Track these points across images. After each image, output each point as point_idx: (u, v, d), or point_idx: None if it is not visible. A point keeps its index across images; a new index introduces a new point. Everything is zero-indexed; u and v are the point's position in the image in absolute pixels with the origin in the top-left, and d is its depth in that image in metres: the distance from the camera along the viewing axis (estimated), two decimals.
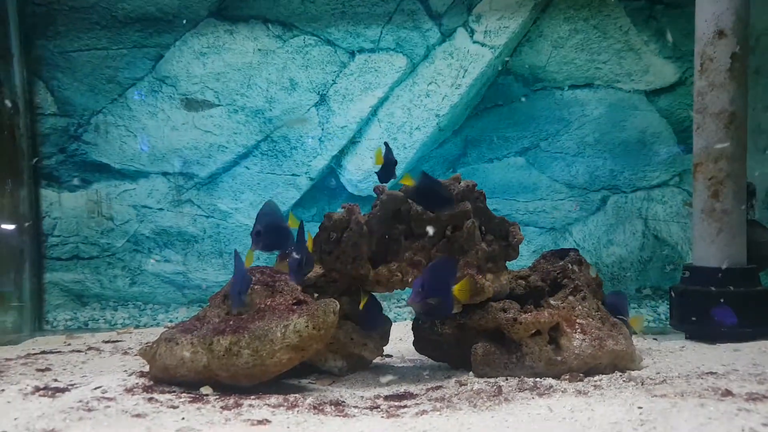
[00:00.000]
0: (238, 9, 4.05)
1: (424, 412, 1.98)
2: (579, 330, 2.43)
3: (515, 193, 4.05)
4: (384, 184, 2.50)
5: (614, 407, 1.87)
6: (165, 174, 4.09)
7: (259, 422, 1.87)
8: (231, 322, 2.31)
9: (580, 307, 2.52)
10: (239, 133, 4.08)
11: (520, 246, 2.62)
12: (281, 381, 2.36)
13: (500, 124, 4.05)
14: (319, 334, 2.22)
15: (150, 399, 2.11)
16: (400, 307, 4.03)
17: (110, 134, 4.07)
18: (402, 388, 2.34)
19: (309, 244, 2.34)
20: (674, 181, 3.98)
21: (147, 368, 2.48)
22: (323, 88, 4.06)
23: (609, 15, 3.95)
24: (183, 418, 1.90)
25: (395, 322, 2.88)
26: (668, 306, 3.36)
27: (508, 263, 2.61)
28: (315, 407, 2.04)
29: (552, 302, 2.50)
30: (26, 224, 3.74)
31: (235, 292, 2.24)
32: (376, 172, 2.40)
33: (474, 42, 3.98)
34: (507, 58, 3.64)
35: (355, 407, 2.07)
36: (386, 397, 2.22)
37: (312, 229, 2.60)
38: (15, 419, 1.88)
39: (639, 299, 3.99)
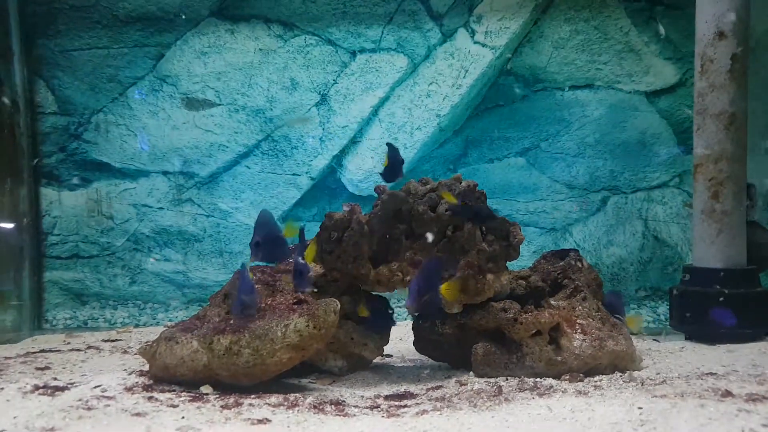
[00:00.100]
0: (239, 8, 4.05)
1: (424, 411, 1.98)
2: (579, 330, 2.43)
3: (516, 194, 4.05)
4: (391, 183, 2.52)
5: (614, 407, 1.87)
6: (165, 173, 4.09)
7: (260, 421, 1.87)
8: (231, 322, 2.31)
9: (580, 307, 2.52)
10: (240, 132, 4.08)
11: (520, 246, 2.63)
12: (281, 380, 2.36)
13: (501, 125, 4.05)
14: (320, 333, 2.22)
15: (150, 398, 2.11)
16: (399, 306, 4.03)
17: (111, 133, 4.07)
18: (402, 388, 2.34)
19: (310, 251, 2.34)
20: (674, 182, 3.99)
21: (147, 367, 2.48)
22: (324, 88, 4.06)
23: (610, 16, 3.96)
24: (183, 417, 1.90)
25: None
26: (668, 307, 3.36)
27: (508, 263, 2.61)
28: (315, 407, 2.04)
29: (552, 302, 2.51)
30: (25, 220, 3.73)
31: (237, 309, 2.21)
32: (380, 173, 2.43)
33: (475, 42, 3.98)
34: (509, 55, 3.63)
35: (356, 407, 2.07)
36: (386, 397, 2.22)
37: (312, 229, 2.61)
38: (14, 418, 1.88)
39: (639, 300, 3.99)
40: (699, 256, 3.16)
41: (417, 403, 2.10)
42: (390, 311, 2.59)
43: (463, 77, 3.97)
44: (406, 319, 3.74)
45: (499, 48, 3.94)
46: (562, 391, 2.13)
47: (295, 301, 2.32)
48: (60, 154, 4.08)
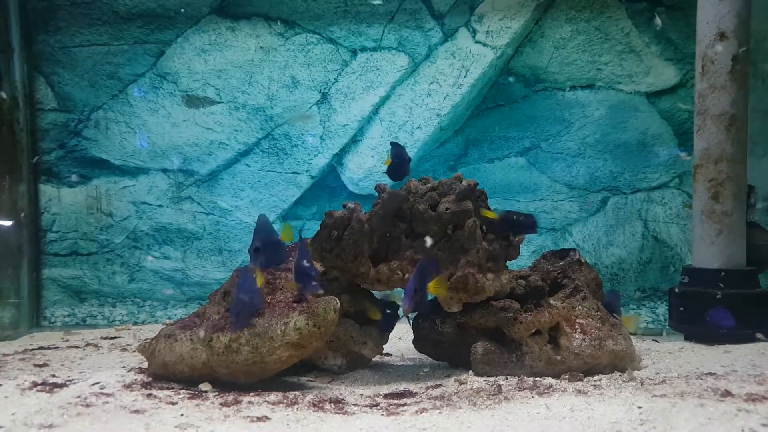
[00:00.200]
0: (240, 6, 4.04)
1: (423, 410, 1.97)
2: (579, 330, 2.43)
3: (516, 193, 4.05)
4: (397, 181, 2.54)
5: (614, 407, 1.87)
6: (165, 171, 4.08)
7: (259, 419, 1.86)
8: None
9: (580, 307, 2.52)
10: (240, 130, 4.08)
11: (520, 246, 2.62)
12: (281, 378, 2.36)
13: (501, 124, 4.05)
14: (319, 331, 2.21)
15: (149, 395, 2.10)
16: (399, 306, 4.03)
17: (110, 130, 4.06)
18: (401, 387, 2.34)
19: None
20: (674, 183, 3.99)
21: (146, 365, 2.47)
22: (325, 87, 4.06)
23: (611, 17, 3.96)
24: (182, 415, 1.89)
25: None
26: (667, 307, 3.36)
27: (508, 263, 2.61)
28: (315, 404, 2.04)
29: (552, 302, 2.50)
30: (22, 215, 3.72)
31: (236, 313, 2.15)
32: (386, 171, 2.45)
33: (476, 42, 3.98)
34: (511, 51, 3.59)
35: (355, 405, 2.07)
36: (386, 395, 2.22)
37: (313, 228, 2.61)
38: (12, 414, 1.88)
39: (638, 300, 3.99)
40: (699, 257, 3.16)
41: (416, 402, 2.09)
42: (390, 311, 2.59)
43: (464, 77, 3.97)
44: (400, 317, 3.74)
45: (500, 48, 3.94)
46: (562, 391, 2.13)
47: (294, 298, 2.32)
48: (59, 151, 4.07)
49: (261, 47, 4.03)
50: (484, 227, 2.56)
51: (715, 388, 2.04)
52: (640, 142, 3.99)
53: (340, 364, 2.56)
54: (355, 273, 2.52)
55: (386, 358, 2.86)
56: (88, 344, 3.24)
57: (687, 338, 3.14)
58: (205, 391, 2.19)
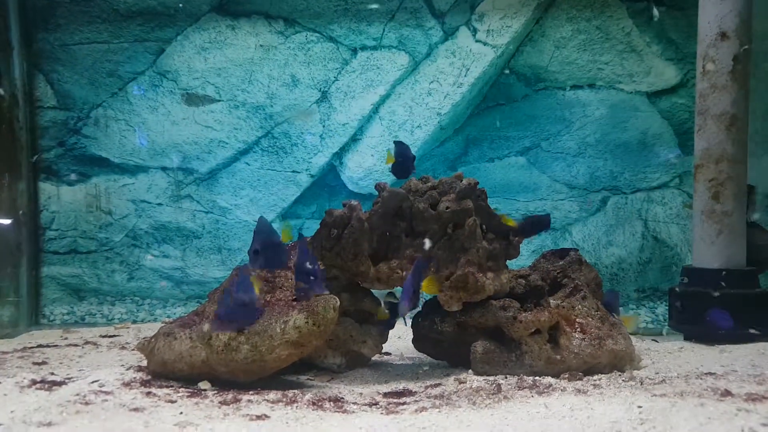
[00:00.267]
0: (240, 4, 4.03)
1: (423, 409, 1.97)
2: (578, 329, 2.43)
3: (516, 193, 4.05)
4: (402, 179, 2.56)
5: (614, 406, 1.87)
6: (164, 169, 4.07)
7: (258, 417, 1.86)
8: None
9: (579, 306, 2.52)
10: (240, 128, 4.07)
11: (520, 245, 2.62)
12: (280, 377, 2.36)
13: (502, 124, 4.04)
14: (319, 330, 2.21)
15: (148, 393, 2.10)
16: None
17: (110, 128, 4.05)
18: (401, 386, 2.34)
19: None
20: (674, 183, 3.99)
21: (145, 363, 2.47)
22: (325, 85, 4.05)
23: (612, 16, 3.96)
24: (181, 413, 1.89)
25: None
26: (667, 307, 3.36)
27: (508, 262, 2.61)
28: (314, 403, 2.04)
29: (552, 301, 2.50)
30: (21, 212, 3.71)
31: (225, 315, 2.10)
32: (390, 170, 2.47)
33: (476, 41, 3.97)
34: (514, 51, 3.58)
35: (354, 403, 2.07)
36: (385, 394, 2.21)
37: (312, 227, 2.61)
38: (11, 412, 1.87)
39: (637, 300, 3.99)
40: (699, 257, 3.16)
41: (416, 401, 2.09)
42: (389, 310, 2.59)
43: (465, 76, 3.97)
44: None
45: (501, 47, 3.94)
46: (561, 390, 2.12)
47: (294, 297, 2.31)
48: (59, 149, 4.06)
49: (261, 45, 4.03)
50: (484, 226, 2.56)
51: (714, 388, 2.04)
52: (641, 142, 3.98)
53: (339, 363, 2.55)
54: (355, 272, 2.52)
55: (386, 357, 2.86)
56: (87, 342, 3.23)
57: (687, 338, 3.14)
58: (205, 390, 2.19)
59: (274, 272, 2.48)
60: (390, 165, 2.48)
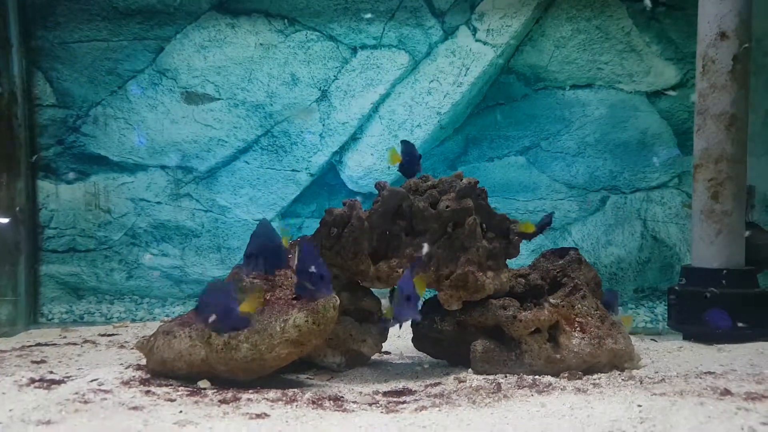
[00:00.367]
0: (239, 2, 4.03)
1: (423, 408, 1.97)
2: (578, 328, 2.43)
3: (515, 192, 4.05)
4: (410, 177, 2.59)
5: (614, 405, 1.87)
6: (164, 167, 4.07)
7: (258, 416, 1.86)
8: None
9: (579, 305, 2.52)
10: (239, 127, 4.06)
11: (520, 244, 2.62)
12: (279, 376, 2.35)
13: (501, 123, 4.04)
14: (319, 329, 2.21)
15: (147, 392, 2.10)
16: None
17: (109, 126, 4.04)
18: (400, 385, 2.34)
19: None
20: (674, 183, 3.99)
21: (144, 361, 2.46)
22: (324, 84, 4.05)
23: (611, 16, 3.96)
24: (181, 411, 1.88)
25: None
26: (666, 306, 3.37)
27: (507, 261, 2.61)
28: (314, 402, 2.04)
29: (551, 301, 2.50)
30: (17, 209, 3.70)
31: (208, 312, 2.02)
32: (398, 170, 2.51)
33: (476, 40, 3.97)
34: (514, 50, 3.59)
35: (354, 402, 2.06)
36: (385, 393, 2.21)
37: (312, 226, 2.60)
38: (10, 410, 1.86)
39: (636, 300, 4.00)
40: (698, 257, 3.16)
41: (416, 400, 2.09)
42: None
43: (464, 75, 3.97)
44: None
45: (501, 46, 3.94)
46: (561, 389, 2.13)
47: (294, 296, 2.31)
48: (58, 147, 4.05)
49: (261, 44, 4.02)
50: (484, 225, 2.56)
51: (714, 387, 2.04)
52: (640, 142, 3.99)
53: (339, 362, 2.55)
54: (355, 270, 2.51)
55: (385, 357, 2.86)
56: (85, 341, 3.23)
57: (686, 337, 3.14)
58: (204, 389, 2.18)
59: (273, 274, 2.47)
60: (396, 165, 2.52)
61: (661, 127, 3.98)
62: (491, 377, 2.33)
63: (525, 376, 2.32)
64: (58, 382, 2.20)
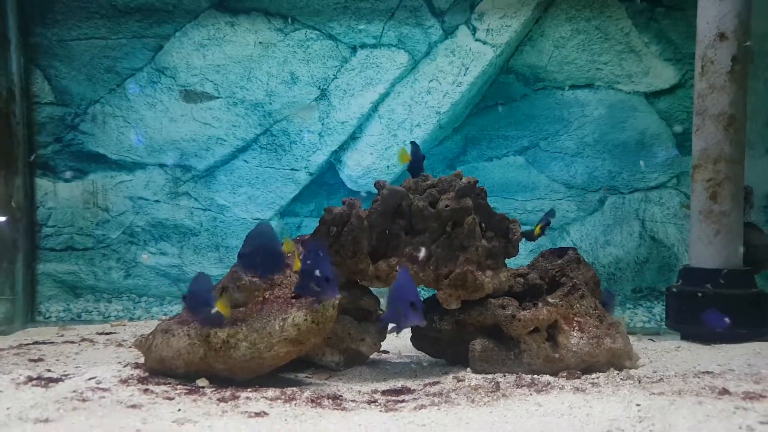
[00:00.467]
0: (239, 1, 4.02)
1: (422, 406, 1.97)
2: (577, 328, 2.44)
3: (514, 192, 4.05)
4: (417, 177, 2.65)
5: (612, 404, 1.87)
6: (162, 166, 4.06)
7: (257, 414, 1.85)
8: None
9: (578, 305, 2.52)
10: (238, 126, 4.06)
11: (519, 244, 2.62)
12: (278, 375, 2.35)
13: (500, 123, 4.05)
14: (318, 328, 2.21)
15: (145, 390, 2.09)
16: None
17: (107, 124, 4.03)
18: (399, 383, 2.34)
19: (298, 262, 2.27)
20: (672, 183, 4.00)
21: (142, 360, 2.46)
22: (324, 83, 4.04)
23: (611, 16, 3.96)
24: (179, 410, 1.88)
25: None
26: (663, 306, 3.37)
27: (506, 261, 2.61)
28: (313, 400, 2.03)
29: (550, 300, 2.51)
30: (12, 203, 3.68)
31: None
32: (407, 169, 2.61)
33: (476, 40, 3.97)
34: (513, 50, 3.60)
35: (353, 401, 2.06)
36: (383, 392, 2.21)
37: (310, 225, 2.60)
38: (7, 408, 1.86)
39: (634, 300, 4.00)
40: (696, 257, 3.17)
41: (414, 399, 2.09)
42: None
43: (464, 75, 3.97)
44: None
45: (500, 46, 3.94)
46: (560, 388, 2.13)
47: (293, 294, 2.31)
48: (56, 145, 4.04)
49: (260, 43, 4.02)
50: (483, 225, 2.56)
51: (712, 386, 2.05)
52: (639, 142, 4.00)
53: (337, 361, 2.55)
54: (354, 269, 2.51)
55: (384, 355, 2.86)
56: (83, 339, 3.22)
57: (683, 337, 3.15)
58: (203, 387, 2.18)
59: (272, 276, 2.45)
60: (404, 164, 2.64)
61: (660, 127, 3.99)
62: (490, 376, 2.33)
63: (524, 375, 2.32)
64: (56, 381, 2.20)
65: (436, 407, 1.96)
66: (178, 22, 4.01)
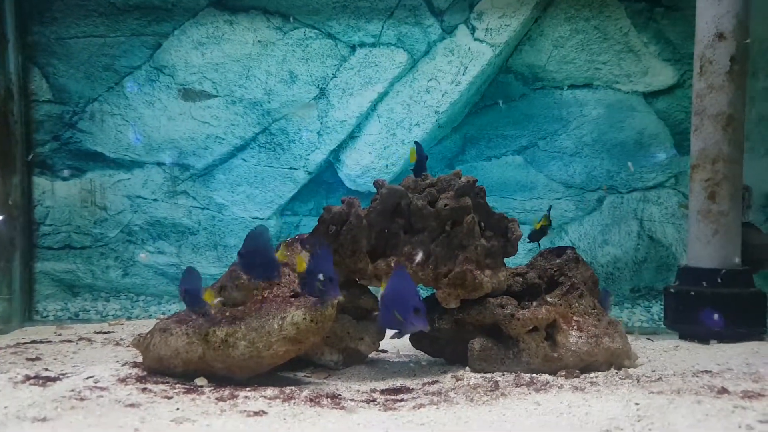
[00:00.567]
0: None
1: (421, 405, 1.97)
2: (575, 327, 2.44)
3: (512, 192, 4.05)
4: (420, 177, 2.68)
5: (611, 403, 1.87)
6: (160, 164, 4.05)
7: (256, 413, 1.85)
8: (227, 313, 2.28)
9: (576, 304, 2.52)
10: (237, 124, 4.05)
11: (518, 243, 2.62)
12: (277, 374, 2.35)
13: (499, 123, 4.05)
14: (317, 326, 2.20)
15: (144, 389, 2.08)
16: None
17: (105, 123, 4.02)
18: (398, 383, 2.34)
19: (300, 263, 2.25)
20: (670, 183, 4.01)
21: (140, 359, 2.45)
22: (323, 82, 4.04)
23: (610, 16, 3.97)
24: (178, 409, 1.87)
25: None
26: (662, 306, 3.38)
27: (505, 260, 2.61)
28: (311, 400, 2.03)
29: (549, 299, 2.51)
30: (9, 200, 3.66)
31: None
32: (411, 169, 2.64)
33: (475, 39, 3.97)
34: (512, 50, 3.62)
35: (352, 400, 2.06)
36: (382, 391, 2.21)
37: (309, 224, 2.60)
38: (5, 407, 1.85)
39: (633, 299, 4.01)
40: (694, 256, 3.18)
41: (413, 398, 2.09)
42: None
43: (463, 74, 3.97)
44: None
45: (499, 45, 3.94)
46: (559, 387, 2.13)
47: (292, 293, 2.30)
48: (54, 143, 4.02)
49: (259, 41, 4.01)
50: (482, 224, 2.56)
51: (711, 386, 2.05)
52: (637, 142, 4.00)
53: (336, 360, 2.55)
54: (353, 268, 2.51)
55: (382, 355, 2.86)
56: (81, 338, 3.21)
57: (682, 337, 3.16)
58: (201, 386, 2.17)
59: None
60: (412, 164, 2.69)
61: (658, 127, 3.99)
62: (489, 375, 2.33)
63: (522, 374, 2.32)
64: (54, 380, 2.19)
65: (435, 406, 1.95)
66: (177, 20, 4.00)
